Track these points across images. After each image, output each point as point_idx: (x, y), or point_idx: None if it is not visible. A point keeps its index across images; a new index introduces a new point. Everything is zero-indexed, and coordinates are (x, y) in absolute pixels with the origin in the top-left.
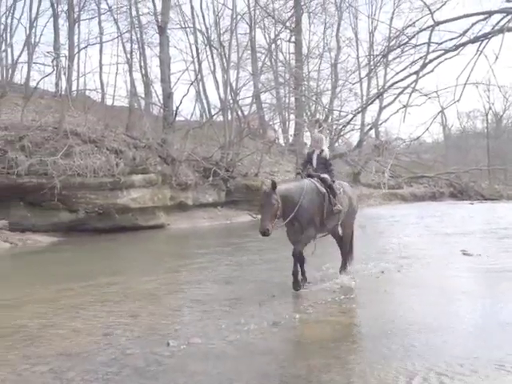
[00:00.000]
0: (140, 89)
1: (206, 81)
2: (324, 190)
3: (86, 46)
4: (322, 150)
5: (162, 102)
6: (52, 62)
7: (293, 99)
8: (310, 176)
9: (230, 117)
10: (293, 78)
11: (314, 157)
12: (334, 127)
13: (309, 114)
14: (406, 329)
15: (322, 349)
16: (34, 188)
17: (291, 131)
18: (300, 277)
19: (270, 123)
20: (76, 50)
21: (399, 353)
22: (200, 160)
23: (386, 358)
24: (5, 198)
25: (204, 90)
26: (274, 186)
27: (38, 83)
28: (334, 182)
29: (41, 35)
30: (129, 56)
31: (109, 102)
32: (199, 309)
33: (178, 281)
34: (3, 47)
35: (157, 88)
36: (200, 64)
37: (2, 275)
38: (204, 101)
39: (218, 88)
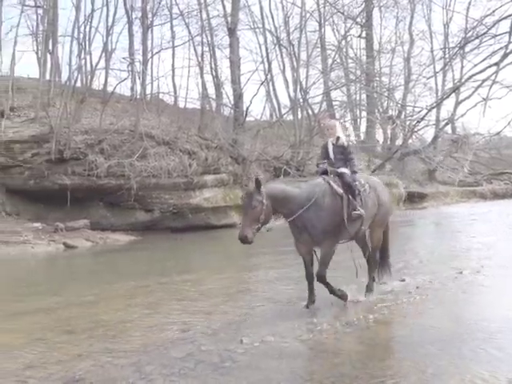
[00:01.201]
0: (211, 90)
1: (276, 80)
2: (341, 191)
3: (159, 51)
4: (338, 138)
5: (232, 102)
6: (127, 67)
7: (364, 96)
8: (325, 173)
9: (300, 115)
10: (364, 75)
11: (330, 147)
12: (408, 123)
13: (381, 110)
14: (487, 332)
15: (397, 351)
16: (112, 189)
17: (363, 128)
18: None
19: (341, 121)
20: (149, 55)
21: (482, 357)
22: (270, 159)
23: (468, 362)
24: (86, 199)
25: (274, 90)
26: (258, 184)
27: (114, 88)
28: (355, 176)
29: (117, 42)
30: (200, 59)
31: (181, 104)
32: (271, 307)
33: (251, 279)
34: (83, 55)
35: (227, 89)
36: (270, 64)
37: (84, 272)
38: (274, 100)
39: (287, 87)
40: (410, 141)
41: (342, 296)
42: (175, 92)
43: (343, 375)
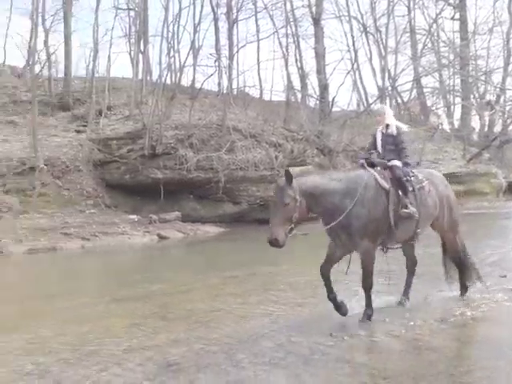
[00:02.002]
0: (296, 82)
1: (363, 69)
2: (387, 186)
3: (245, 45)
4: (388, 126)
5: (318, 93)
6: (214, 62)
7: (458, 81)
8: (372, 165)
9: (388, 104)
10: (458, 58)
11: (378, 136)
12: (508, 108)
13: (477, 95)
14: None
15: (494, 350)
16: (201, 182)
17: (457, 115)
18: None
19: (433, 108)
20: (235, 50)
21: None
22: (358, 150)
23: None
24: (177, 192)
25: (360, 79)
26: (288, 177)
27: (202, 84)
28: (408, 170)
29: (203, 39)
30: (285, 50)
31: (266, 97)
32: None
33: (339, 271)
34: (172, 53)
35: (312, 80)
36: (356, 52)
37: (177, 262)
38: (361, 89)
39: (375, 75)
40: (511, 127)
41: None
42: (260, 85)
43: (439, 373)
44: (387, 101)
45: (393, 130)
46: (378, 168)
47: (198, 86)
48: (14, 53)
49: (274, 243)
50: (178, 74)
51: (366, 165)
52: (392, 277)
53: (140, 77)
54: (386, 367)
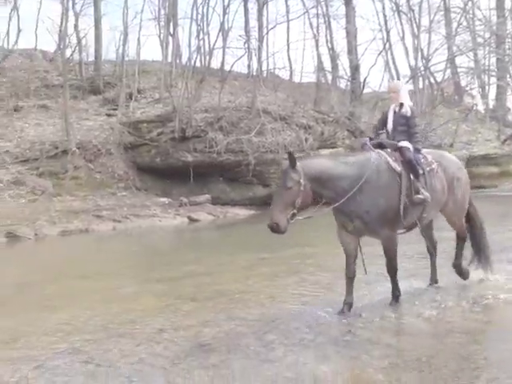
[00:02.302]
0: (327, 63)
1: (395, 49)
2: (399, 168)
3: (275, 26)
4: (402, 105)
5: (349, 74)
6: (244, 44)
7: (493, 60)
8: (381, 146)
9: (421, 84)
10: (494, 37)
11: (390, 115)
12: None
13: None
14: None
15: None
16: (231, 165)
17: (492, 96)
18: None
19: (467, 88)
20: (265, 31)
21: None
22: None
23: None
24: (207, 175)
25: (393, 59)
26: (292, 160)
27: (231, 66)
28: (419, 152)
29: (233, 20)
30: (315, 31)
31: (297, 78)
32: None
33: (371, 254)
34: (201, 36)
35: (343, 61)
36: (388, 32)
37: (208, 244)
38: (393, 70)
39: (407, 55)
40: None
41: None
42: (290, 67)
43: (470, 357)
44: (420, 81)
45: (407, 111)
46: (388, 150)
47: (227, 68)
48: (45, 37)
49: (275, 228)
50: (208, 57)
51: (369, 145)
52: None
53: (169, 59)
54: (416, 349)
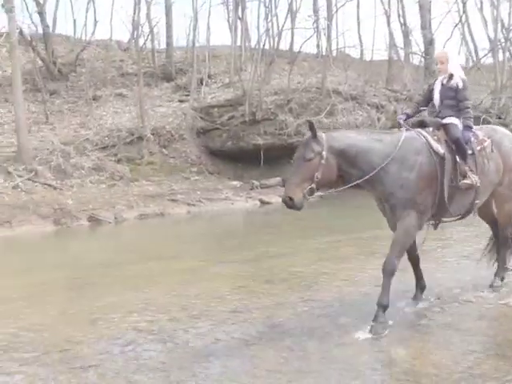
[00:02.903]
0: (399, 39)
1: (472, 21)
2: (442, 150)
3: (344, 4)
4: (451, 76)
5: (422, 50)
6: (312, 24)
7: None
8: (423, 125)
9: (501, 57)
10: None
11: (437, 88)
12: None
13: None
14: None
15: None
16: None
17: None
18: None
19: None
20: (334, 10)
21: None
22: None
23: None
24: (278, 158)
25: (470, 31)
26: (313, 129)
27: (300, 47)
28: (470, 130)
29: (301, 1)
30: (387, 7)
31: (368, 56)
32: (467, 265)
33: (450, 236)
34: (269, 17)
35: (416, 36)
36: (464, 3)
37: (280, 227)
38: (470, 43)
39: (486, 27)
40: None
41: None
42: (361, 45)
43: None
44: (500, 54)
45: (457, 82)
46: (430, 128)
47: (296, 49)
48: (119, 27)
49: (288, 203)
50: (277, 39)
51: (404, 124)
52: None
53: (239, 43)
54: (497, 335)
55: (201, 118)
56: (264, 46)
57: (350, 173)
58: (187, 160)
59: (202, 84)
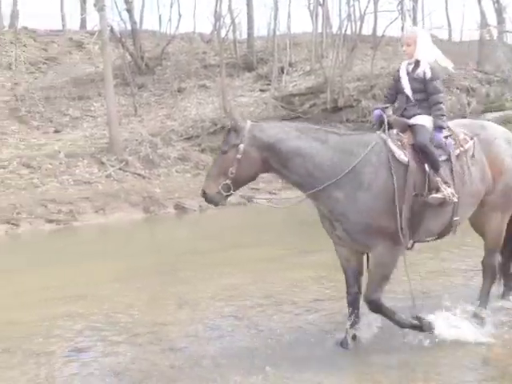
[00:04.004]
0: (491, 18)
1: None
2: (406, 158)
3: None
4: (417, 62)
5: None
6: (397, 6)
7: None
8: (390, 126)
9: None
10: None
11: (403, 77)
12: None
13: None
14: None
15: None
16: None
17: None
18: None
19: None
20: None
21: None
22: None
23: None
24: None
25: None
26: (233, 119)
27: (384, 31)
28: (440, 133)
29: None
30: None
31: (456, 37)
32: None
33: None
34: (351, 2)
35: (511, 13)
36: None
37: None
38: None
39: None
40: None
41: (422, 326)
42: (449, 25)
43: None
44: None
45: (424, 71)
46: (395, 130)
47: (379, 33)
48: (202, 20)
49: (203, 196)
50: (359, 23)
51: (376, 123)
52: None
53: (320, 30)
54: None
55: (282, 106)
56: (346, 31)
57: (282, 174)
58: None
59: (283, 72)
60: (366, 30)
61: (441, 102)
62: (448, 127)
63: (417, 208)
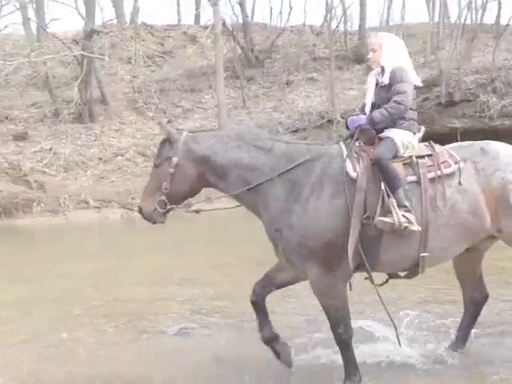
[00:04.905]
0: None
1: None
2: (354, 173)
3: None
4: (383, 70)
5: None
6: None
7: None
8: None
9: None
10: None
11: (371, 87)
12: None
13: None
14: None
15: None
16: (506, 131)
17: None
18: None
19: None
20: None
21: None
22: None
23: None
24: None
25: None
26: (163, 130)
27: (509, 20)
28: (399, 145)
29: None
30: None
31: None
32: None
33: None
34: None
35: None
36: None
37: None
38: None
39: None
40: None
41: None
42: None
43: None
44: None
45: (389, 77)
46: (358, 143)
47: (503, 22)
48: (313, 12)
49: (141, 213)
50: (480, 11)
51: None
52: None
53: (436, 20)
54: None
55: None
56: (465, 20)
57: (220, 188)
58: None
59: None
60: (488, 19)
61: (396, 101)
62: (431, 146)
63: (371, 233)
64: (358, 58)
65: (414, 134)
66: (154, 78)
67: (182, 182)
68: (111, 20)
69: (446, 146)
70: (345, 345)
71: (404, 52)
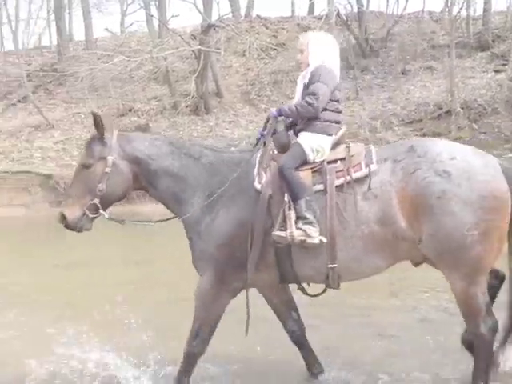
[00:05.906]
0: None
1: None
2: (258, 185)
3: None
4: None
5: None
6: None
7: None
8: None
9: None
10: None
11: (298, 89)
12: None
13: None
14: None
15: None
16: None
17: None
18: None
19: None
20: None
21: None
22: None
23: None
24: None
25: None
26: (98, 125)
27: None
28: (311, 154)
29: None
30: None
31: None
32: None
33: None
34: None
35: None
36: None
37: None
38: None
39: None
40: None
41: None
42: None
43: None
44: None
45: (309, 75)
46: (274, 151)
47: None
48: None
49: (62, 222)
50: None
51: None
52: None
53: None
54: None
55: None
56: None
57: (151, 193)
58: (500, 136)
59: None
60: None
61: (307, 100)
62: (348, 148)
63: (280, 245)
64: (482, 45)
65: (330, 135)
66: (267, 70)
67: (119, 182)
68: (227, 14)
69: (385, 145)
70: (192, 358)
71: (332, 51)
